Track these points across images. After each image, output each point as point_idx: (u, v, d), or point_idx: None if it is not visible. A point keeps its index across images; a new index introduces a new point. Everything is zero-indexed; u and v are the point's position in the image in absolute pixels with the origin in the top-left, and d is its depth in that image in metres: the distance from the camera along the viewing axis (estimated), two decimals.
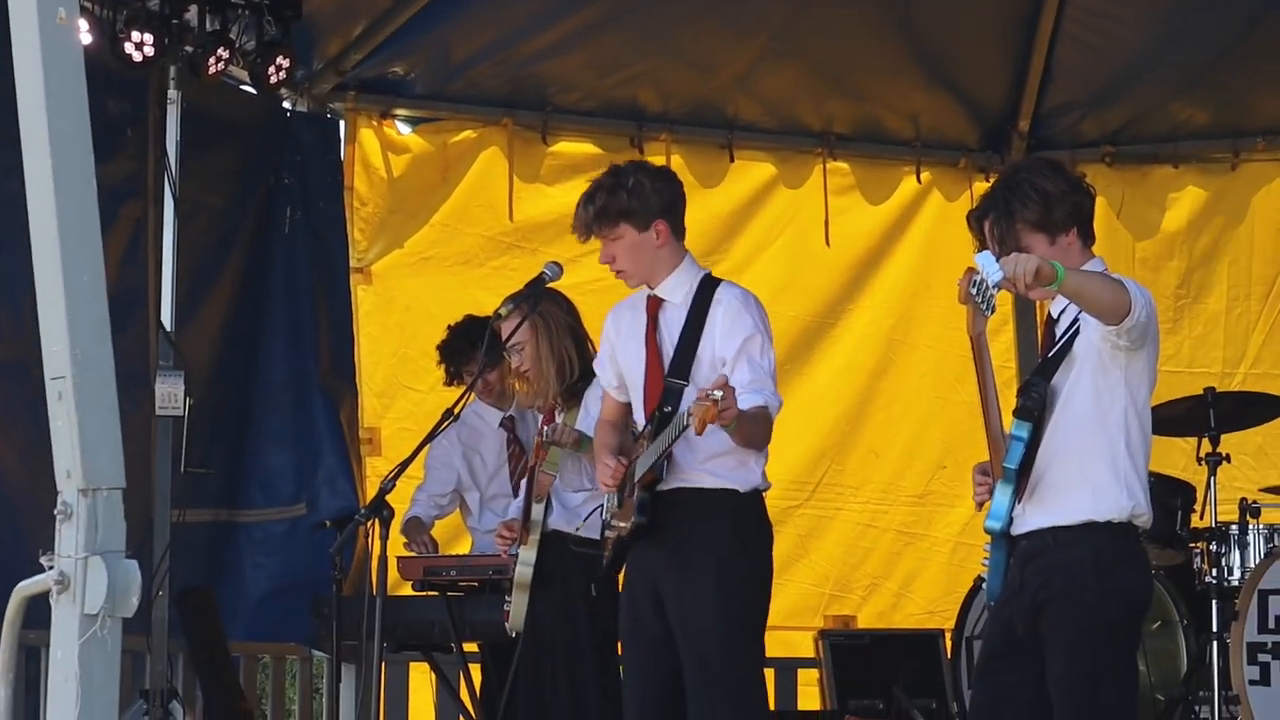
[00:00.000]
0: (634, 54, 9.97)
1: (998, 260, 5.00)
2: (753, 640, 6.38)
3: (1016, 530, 5.43)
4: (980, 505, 5.65)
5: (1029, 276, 4.96)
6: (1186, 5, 9.79)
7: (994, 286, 5.01)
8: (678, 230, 6.43)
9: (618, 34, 9.82)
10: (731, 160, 10.30)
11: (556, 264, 7.34)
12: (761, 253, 10.35)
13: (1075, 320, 5.42)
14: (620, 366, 6.57)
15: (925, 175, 10.56)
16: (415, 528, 8.47)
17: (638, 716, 6.50)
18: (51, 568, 5.07)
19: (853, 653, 8.81)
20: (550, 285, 7.48)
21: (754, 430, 6.18)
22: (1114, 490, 5.39)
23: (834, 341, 10.36)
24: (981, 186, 10.38)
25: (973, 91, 10.47)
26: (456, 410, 7.37)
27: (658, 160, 9.88)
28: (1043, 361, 5.57)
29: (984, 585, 5.90)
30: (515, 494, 7.94)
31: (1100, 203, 9.77)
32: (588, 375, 7.30)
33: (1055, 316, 5.59)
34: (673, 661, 6.32)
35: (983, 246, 5.56)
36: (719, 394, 5.73)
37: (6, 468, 7.74)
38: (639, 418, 6.49)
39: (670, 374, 6.38)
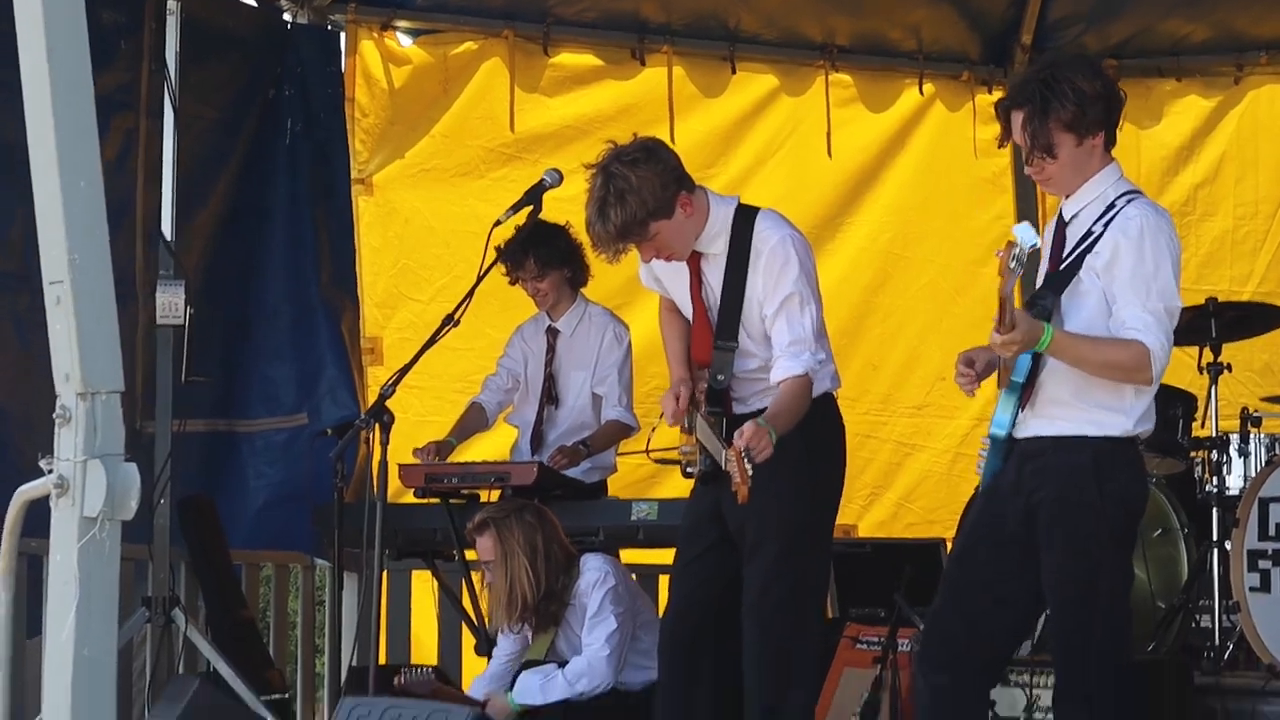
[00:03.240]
0: None
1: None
2: (814, 548, 6.41)
3: (1018, 434, 5.50)
4: (970, 394, 5.83)
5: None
6: None
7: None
8: (692, 185, 6.32)
9: None
10: (733, 72, 10.29)
11: (557, 171, 7.37)
12: (763, 164, 10.38)
13: (1087, 235, 5.49)
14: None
15: (928, 87, 10.57)
16: (475, 414, 8.53)
17: (678, 619, 6.53)
18: (51, 471, 5.08)
19: (854, 562, 8.80)
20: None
21: (789, 418, 6.14)
22: (1116, 406, 5.46)
23: (832, 254, 10.35)
24: (984, 99, 10.46)
25: (976, 4, 10.48)
26: (456, 316, 7.37)
27: (659, 71, 10.00)
28: (1050, 274, 5.57)
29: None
30: (550, 401, 8.13)
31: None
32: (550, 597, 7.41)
33: (1067, 220, 5.65)
34: (726, 569, 6.36)
35: (1008, 138, 5.60)
36: (748, 463, 5.79)
37: None
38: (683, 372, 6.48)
39: (719, 336, 6.34)
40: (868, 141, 10.55)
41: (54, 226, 5.11)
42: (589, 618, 7.25)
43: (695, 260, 6.34)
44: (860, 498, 9.88)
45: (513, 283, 8.19)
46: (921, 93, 10.57)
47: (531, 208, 7.53)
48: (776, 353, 6.19)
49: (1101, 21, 10.37)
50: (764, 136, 10.39)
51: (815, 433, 6.25)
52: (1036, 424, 5.50)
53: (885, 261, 10.55)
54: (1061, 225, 5.64)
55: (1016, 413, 5.48)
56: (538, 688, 7.28)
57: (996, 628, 5.68)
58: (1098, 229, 5.49)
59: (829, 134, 10.32)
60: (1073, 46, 10.42)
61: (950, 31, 10.52)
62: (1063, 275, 5.52)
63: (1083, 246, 5.50)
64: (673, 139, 9.90)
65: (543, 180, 7.53)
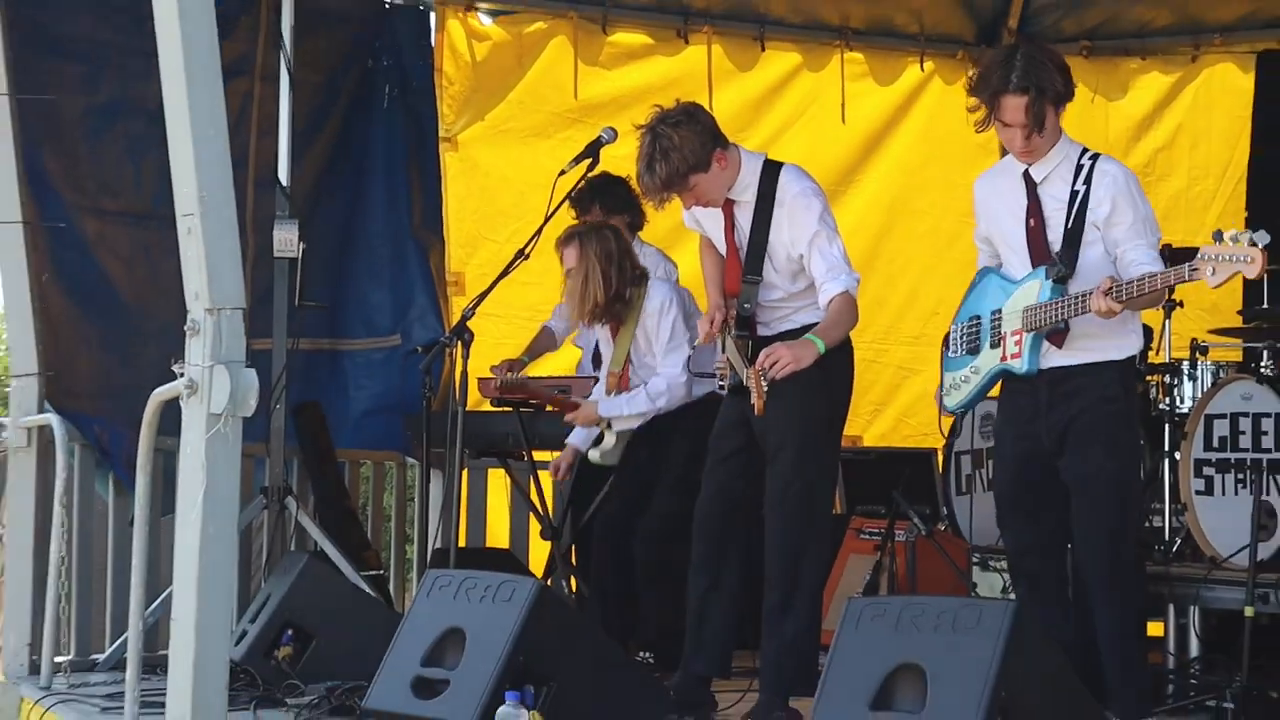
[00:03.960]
0: None
1: None
2: (825, 454, 6.44)
3: (1042, 366, 5.65)
4: None
5: None
6: None
7: None
8: (726, 143, 6.32)
9: None
10: (763, 50, 10.24)
11: (612, 129, 7.39)
12: (787, 129, 10.34)
13: (1074, 196, 5.60)
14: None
15: (928, 65, 10.52)
16: (544, 336, 8.60)
17: (710, 506, 6.55)
18: (182, 375, 5.15)
19: (860, 466, 8.85)
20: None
21: (838, 330, 6.19)
22: (1127, 335, 5.66)
23: (845, 206, 10.30)
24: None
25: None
26: (527, 251, 7.39)
27: (700, 49, 10.01)
28: (1067, 232, 5.61)
29: (943, 399, 6.21)
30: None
31: (1081, 89, 9.77)
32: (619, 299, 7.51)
33: (1038, 180, 5.73)
34: (751, 469, 6.42)
35: (989, 123, 5.83)
36: (764, 378, 5.96)
37: (127, 296, 7.82)
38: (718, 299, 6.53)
39: (746, 271, 6.36)
40: (876, 111, 10.50)
41: (186, 169, 5.17)
42: (665, 343, 7.30)
43: (729, 206, 6.35)
44: (865, 413, 9.91)
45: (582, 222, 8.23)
46: (922, 69, 10.51)
47: (590, 160, 7.55)
48: (818, 280, 6.19)
49: (1077, 8, 10.26)
50: (788, 105, 10.34)
51: (828, 357, 6.23)
52: (1060, 357, 5.63)
53: (890, 213, 10.53)
54: (1033, 185, 5.69)
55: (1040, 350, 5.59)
56: (624, 400, 7.39)
57: (1056, 523, 5.80)
58: (1081, 188, 5.58)
59: (843, 104, 10.29)
60: (1052, 30, 10.33)
61: (948, 16, 10.44)
62: (1072, 232, 5.58)
63: (1079, 202, 5.57)
64: (711, 107, 9.86)
65: (600, 137, 7.54)
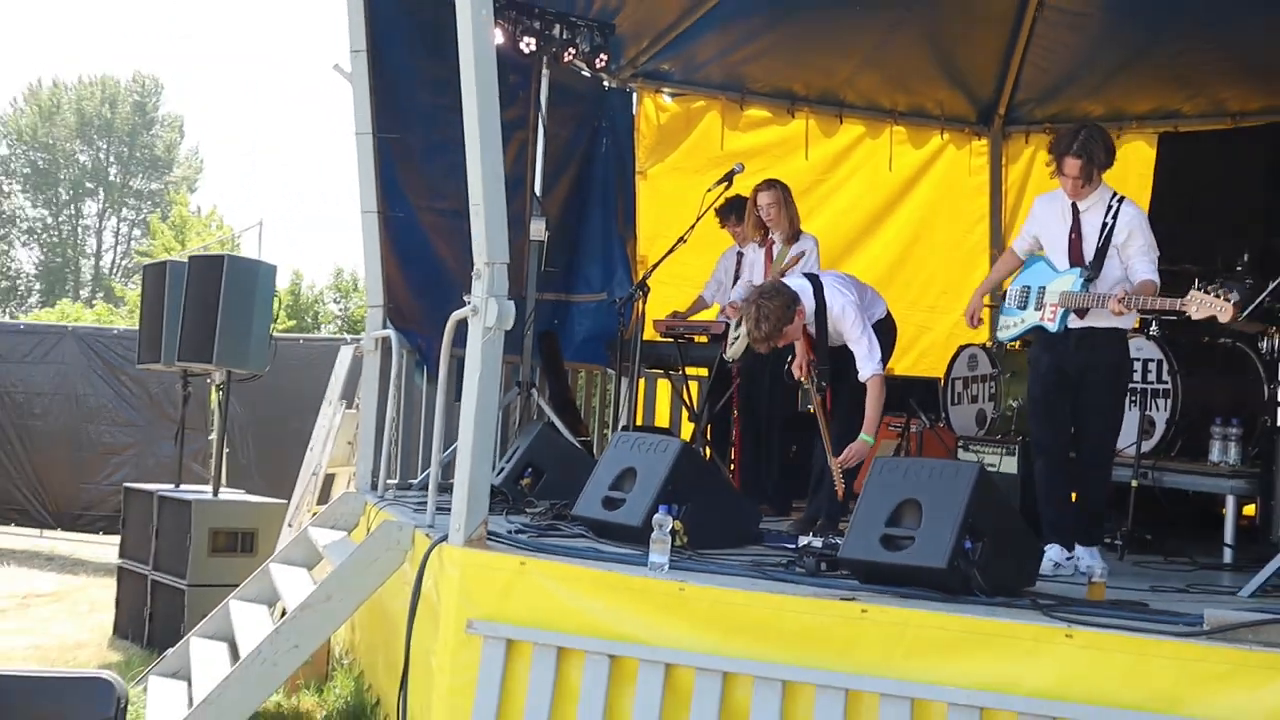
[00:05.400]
0: (791, 67, 9.79)
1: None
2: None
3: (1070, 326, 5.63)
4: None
5: None
6: (1089, 47, 9.48)
7: None
8: (798, 300, 6.13)
9: (781, 57, 9.68)
10: (840, 123, 10.16)
11: (741, 164, 7.47)
12: (855, 173, 10.27)
13: (1104, 226, 5.53)
14: None
15: (946, 135, 10.37)
16: (699, 301, 8.53)
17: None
18: (469, 303, 5.21)
19: (890, 387, 8.67)
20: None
21: (875, 411, 6.17)
22: (1122, 317, 5.56)
23: (888, 224, 10.35)
24: (979, 144, 10.39)
25: (975, 92, 10.23)
26: (686, 237, 7.40)
27: (802, 120, 10.02)
28: (1097, 250, 5.53)
29: (997, 332, 6.04)
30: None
31: (1041, 153, 9.64)
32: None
33: (1082, 210, 5.61)
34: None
35: (1059, 170, 5.59)
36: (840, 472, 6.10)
37: (448, 262, 7.80)
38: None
39: (816, 350, 6.31)
40: (911, 163, 10.33)
41: (475, 178, 5.23)
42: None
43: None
44: (897, 354, 9.75)
45: (722, 226, 8.19)
46: (942, 138, 10.33)
47: (727, 183, 7.55)
48: (860, 358, 6.15)
49: (1043, 103, 10.07)
50: (856, 158, 10.24)
51: (879, 326, 6.32)
52: (1080, 323, 5.57)
53: (918, 227, 10.36)
54: (1077, 213, 5.60)
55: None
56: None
57: (1065, 430, 5.73)
58: (1109, 220, 5.53)
59: (890, 158, 10.19)
60: (1027, 116, 10.19)
61: (959, 105, 10.24)
62: (1101, 250, 5.52)
63: (1106, 232, 5.51)
64: (807, 157, 9.92)
65: (733, 169, 7.56)
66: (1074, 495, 5.78)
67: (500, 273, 5.13)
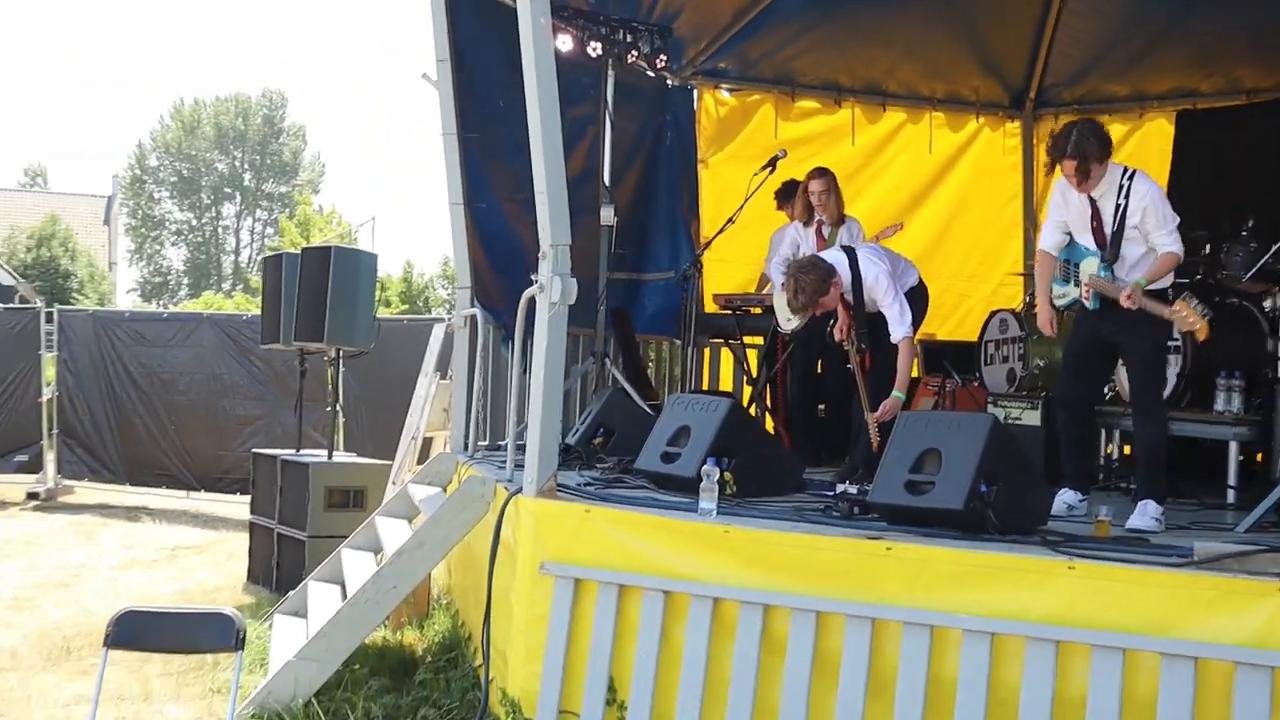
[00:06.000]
0: (837, 61, 9.74)
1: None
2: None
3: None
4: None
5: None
6: (1111, 33, 9.33)
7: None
8: (834, 272, 6.18)
9: (827, 53, 9.65)
10: (884, 110, 10.06)
11: (784, 150, 7.57)
12: (898, 156, 10.15)
13: (1118, 208, 5.30)
14: None
15: (981, 119, 10.24)
16: (763, 279, 8.54)
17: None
18: (536, 281, 5.28)
19: (931, 349, 8.70)
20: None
21: (905, 371, 6.17)
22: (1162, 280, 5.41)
23: (930, 201, 10.22)
24: (1012, 126, 10.21)
25: (1008, 79, 10.09)
26: (734, 218, 7.42)
27: (848, 110, 9.96)
28: (1113, 234, 5.34)
29: (1054, 300, 5.73)
30: None
31: None
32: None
33: (1096, 198, 5.37)
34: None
35: (1052, 170, 5.45)
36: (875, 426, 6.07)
37: (528, 246, 7.81)
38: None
39: (856, 324, 6.35)
40: (950, 145, 10.21)
41: (540, 171, 5.29)
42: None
43: (843, 297, 6.31)
44: (939, 319, 9.69)
45: (779, 209, 8.19)
46: (977, 121, 10.20)
47: (770, 168, 7.58)
48: (891, 328, 6.15)
49: (1070, 85, 9.92)
50: (900, 142, 10.13)
51: (912, 293, 6.24)
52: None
53: (958, 203, 10.24)
54: (1093, 201, 5.37)
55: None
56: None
57: (1092, 388, 5.71)
58: (1122, 201, 5.28)
59: (930, 141, 10.10)
60: (1055, 99, 10.03)
61: (993, 90, 10.11)
62: (1116, 234, 5.32)
63: (1120, 214, 5.28)
64: (854, 143, 9.87)
65: (776, 155, 7.60)
66: (1110, 448, 5.74)
67: (563, 254, 5.20)
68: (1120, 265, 5.34)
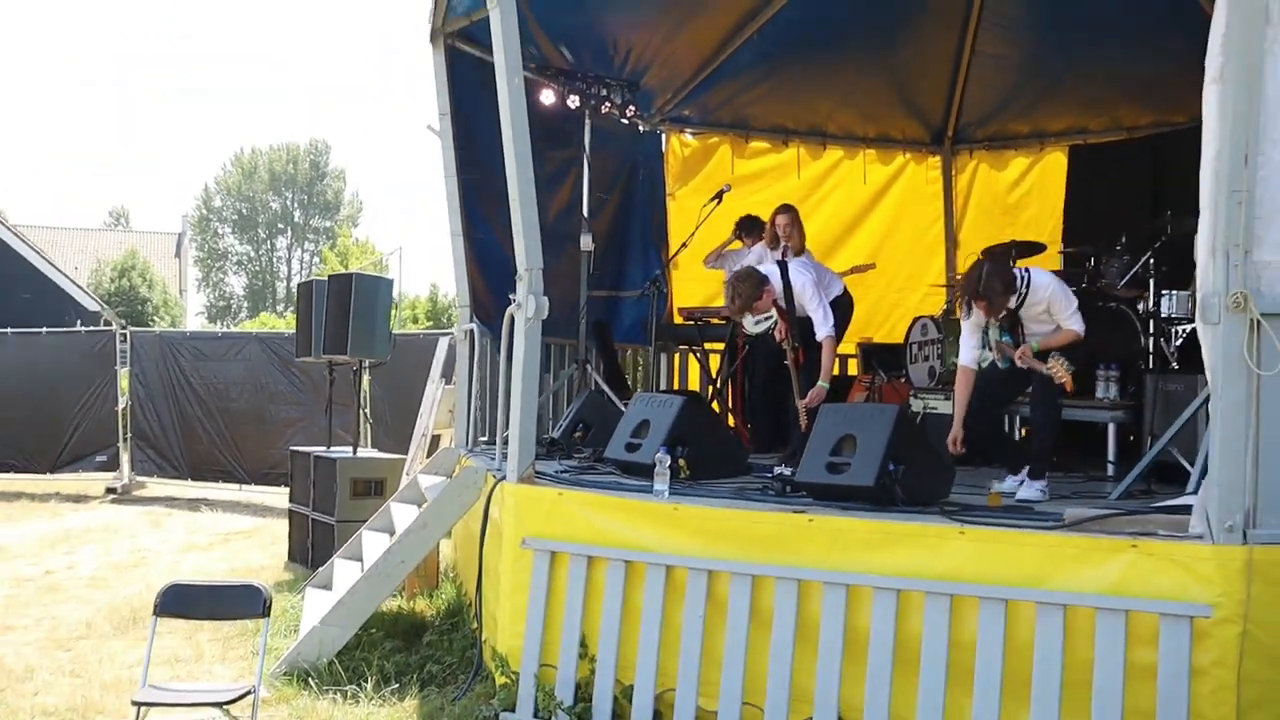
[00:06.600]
0: (785, 106, 9.68)
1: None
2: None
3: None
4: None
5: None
6: (1013, 82, 9.32)
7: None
8: (766, 280, 6.14)
9: (775, 101, 9.59)
10: (824, 149, 10.00)
11: (729, 185, 7.59)
12: (837, 187, 10.08)
13: (1020, 294, 5.23)
14: None
15: (907, 155, 10.20)
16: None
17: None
18: (514, 301, 5.29)
19: (866, 351, 8.73)
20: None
21: (829, 364, 6.15)
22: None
23: (865, 226, 10.17)
24: (933, 160, 10.20)
25: (929, 121, 10.05)
26: (687, 242, 7.43)
27: (794, 149, 9.90)
28: (1014, 310, 5.28)
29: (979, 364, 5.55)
30: None
31: (984, 167, 9.52)
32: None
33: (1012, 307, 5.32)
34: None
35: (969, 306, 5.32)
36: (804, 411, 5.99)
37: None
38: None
39: (790, 316, 6.28)
40: (880, 177, 10.16)
41: (515, 208, 5.32)
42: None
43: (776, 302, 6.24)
44: (874, 325, 9.74)
45: (735, 238, 8.15)
46: (904, 157, 10.17)
47: (717, 201, 7.59)
48: (817, 324, 6.13)
49: (982, 125, 9.89)
50: (838, 175, 10.07)
51: (836, 302, 6.26)
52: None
53: (887, 225, 10.17)
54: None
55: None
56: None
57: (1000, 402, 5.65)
58: (1024, 291, 5.23)
59: (864, 173, 10.05)
60: (969, 136, 10.00)
61: (917, 131, 10.08)
62: (1014, 313, 5.29)
63: (1020, 302, 5.25)
64: (799, 176, 9.88)
65: (721, 189, 7.62)
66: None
67: (537, 276, 5.23)
68: (1030, 337, 5.33)
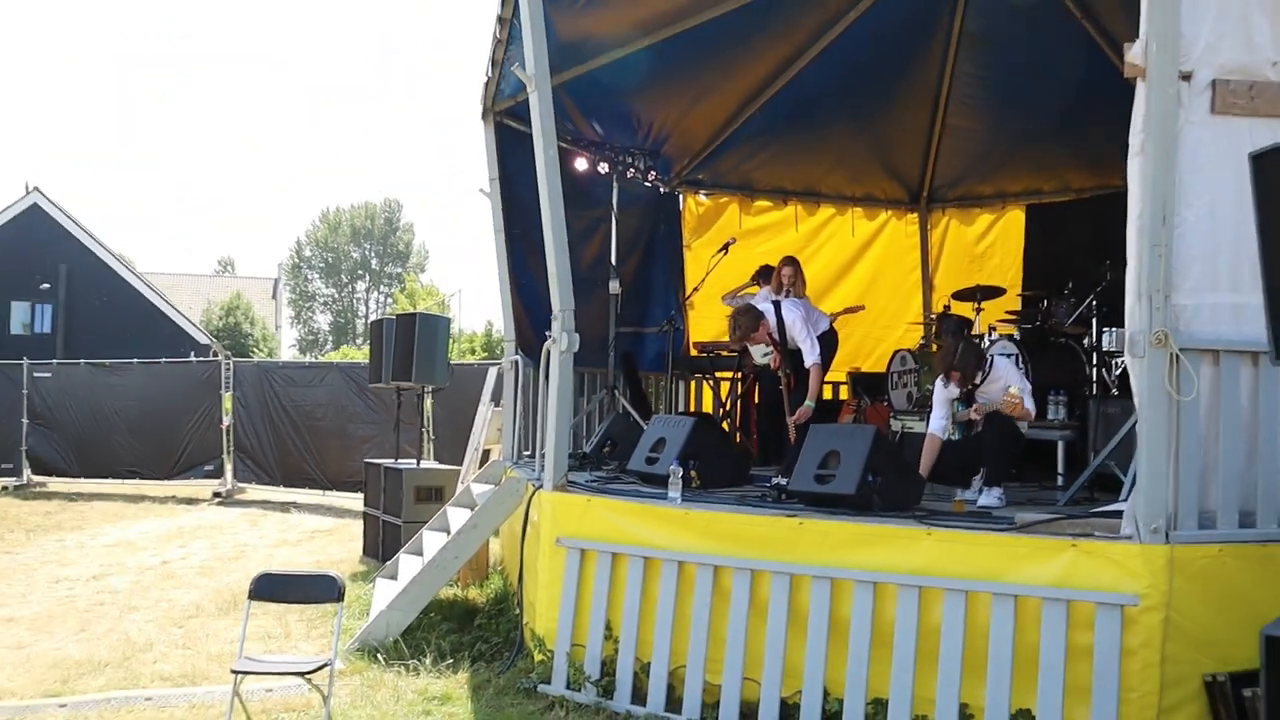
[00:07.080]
0: (784, 170, 9.70)
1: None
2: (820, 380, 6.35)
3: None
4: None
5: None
6: (977, 152, 9.32)
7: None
8: (761, 315, 6.17)
9: (776, 165, 9.61)
10: (819, 207, 10.03)
11: (734, 238, 7.51)
12: (831, 239, 10.09)
13: (985, 371, 5.31)
14: None
15: (889, 212, 10.20)
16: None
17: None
18: (549, 337, 5.32)
19: (855, 379, 8.73)
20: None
21: (815, 387, 6.09)
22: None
23: (854, 274, 10.17)
24: (911, 217, 10.16)
25: (907, 183, 10.06)
26: (699, 286, 7.43)
27: (793, 207, 9.87)
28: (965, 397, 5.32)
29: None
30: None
31: (955, 224, 9.48)
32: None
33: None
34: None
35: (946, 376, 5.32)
36: (794, 427, 5.96)
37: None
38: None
39: (783, 348, 6.33)
40: (867, 230, 10.17)
41: (550, 257, 5.36)
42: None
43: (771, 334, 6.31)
44: (862, 356, 9.72)
45: (753, 284, 8.14)
46: (886, 214, 10.16)
47: (723, 252, 7.59)
48: (805, 353, 6.14)
49: (955, 186, 9.88)
50: (830, 230, 10.07)
51: (823, 336, 6.26)
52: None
53: (874, 275, 10.17)
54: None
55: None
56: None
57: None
58: (987, 370, 5.29)
59: (853, 228, 10.07)
60: (943, 197, 9.98)
61: (897, 192, 10.09)
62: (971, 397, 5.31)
63: (983, 379, 5.29)
64: (797, 230, 9.91)
65: (727, 242, 7.65)
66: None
67: (569, 316, 5.29)
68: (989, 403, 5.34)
